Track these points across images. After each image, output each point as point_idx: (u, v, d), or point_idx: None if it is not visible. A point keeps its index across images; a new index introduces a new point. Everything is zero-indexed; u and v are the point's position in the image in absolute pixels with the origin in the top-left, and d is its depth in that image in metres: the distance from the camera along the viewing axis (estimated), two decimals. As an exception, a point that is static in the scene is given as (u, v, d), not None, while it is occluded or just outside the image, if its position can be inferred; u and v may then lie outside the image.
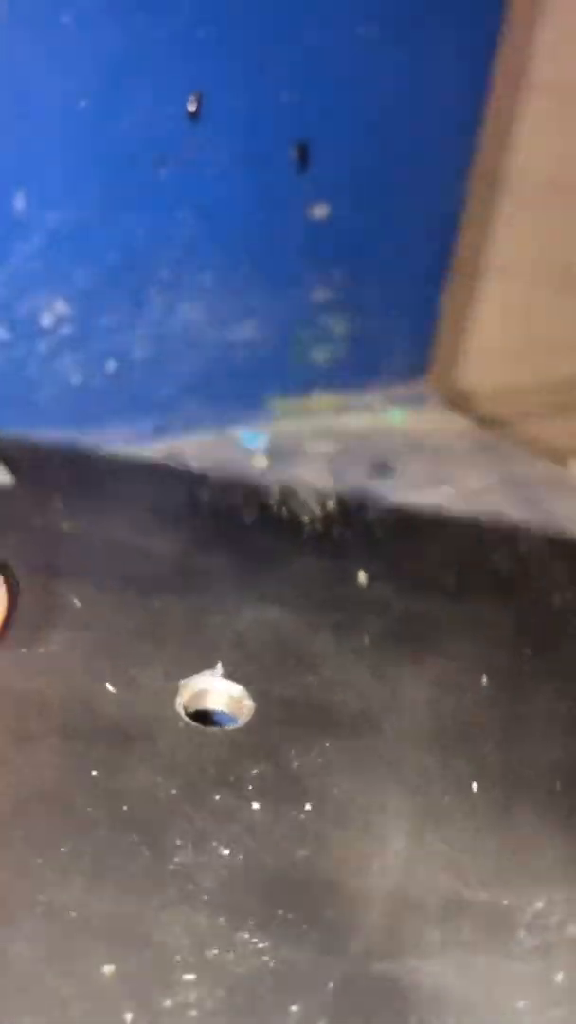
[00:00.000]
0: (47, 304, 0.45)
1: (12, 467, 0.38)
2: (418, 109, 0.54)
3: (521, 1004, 0.22)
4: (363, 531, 0.37)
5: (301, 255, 0.52)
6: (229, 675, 0.29)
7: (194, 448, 0.52)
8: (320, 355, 0.56)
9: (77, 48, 0.41)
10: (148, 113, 0.44)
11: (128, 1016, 0.20)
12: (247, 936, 0.22)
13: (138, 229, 0.46)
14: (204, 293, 0.50)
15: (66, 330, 0.46)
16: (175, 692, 0.29)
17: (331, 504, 0.38)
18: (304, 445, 0.54)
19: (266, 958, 0.22)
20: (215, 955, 0.21)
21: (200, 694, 0.29)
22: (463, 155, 0.57)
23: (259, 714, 0.28)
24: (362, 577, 0.34)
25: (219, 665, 0.29)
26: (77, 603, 0.31)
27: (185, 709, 0.28)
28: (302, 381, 0.56)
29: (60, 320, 0.46)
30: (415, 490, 0.52)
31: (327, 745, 0.27)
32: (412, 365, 0.60)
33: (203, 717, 0.29)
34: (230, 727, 0.28)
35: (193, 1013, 0.20)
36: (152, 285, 0.48)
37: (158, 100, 0.44)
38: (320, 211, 0.52)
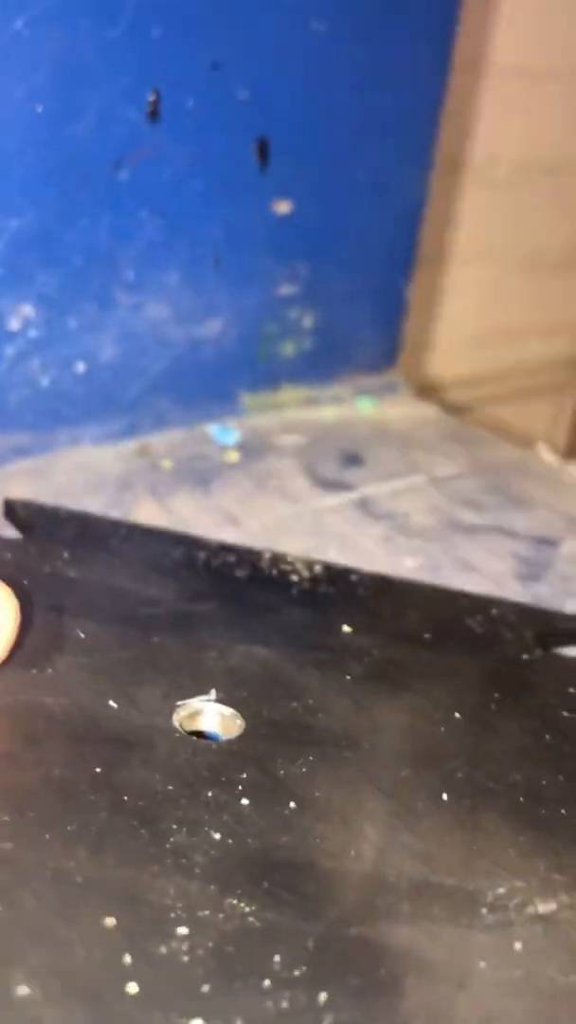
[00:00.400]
0: (13, 308, 0.46)
1: (20, 525, 0.41)
2: (377, 100, 0.54)
3: (482, 965, 0.24)
4: (347, 591, 0.39)
5: (265, 251, 0.53)
6: (221, 700, 0.32)
7: (166, 445, 0.53)
8: (288, 349, 0.56)
9: (31, 53, 0.42)
10: (105, 115, 0.45)
11: (127, 959, 0.23)
12: (234, 902, 0.25)
13: (101, 231, 0.47)
14: (170, 292, 0.50)
15: (33, 333, 0.47)
16: (172, 711, 0.31)
17: (318, 568, 0.40)
18: (275, 439, 0.55)
19: (251, 919, 0.24)
20: (206, 915, 0.24)
21: (195, 714, 0.32)
22: (425, 143, 0.57)
23: (248, 731, 0.31)
24: (346, 628, 0.36)
25: (212, 691, 0.32)
26: (81, 635, 0.34)
27: (180, 727, 0.31)
28: (271, 375, 0.57)
29: (27, 323, 0.46)
30: (384, 480, 0.52)
31: (310, 757, 0.30)
32: (381, 355, 0.61)
33: (196, 737, 0.31)
34: (222, 740, 0.31)
35: (185, 959, 0.23)
36: (117, 286, 0.48)
37: (114, 101, 0.45)
38: (283, 207, 0.52)
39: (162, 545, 0.40)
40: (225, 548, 0.41)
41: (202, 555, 0.40)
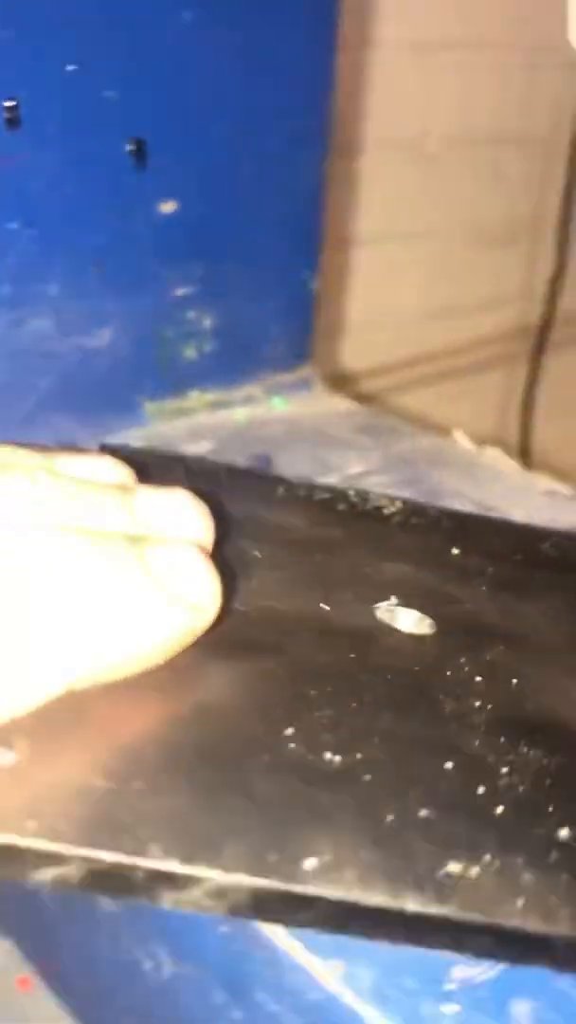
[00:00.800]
0: None
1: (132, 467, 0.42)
2: (260, 86, 0.52)
3: None
4: (435, 522, 0.42)
5: (153, 254, 0.51)
6: (402, 605, 0.35)
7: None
8: (190, 352, 0.54)
9: None
10: (-42, 126, 0.43)
11: (481, 789, 0.27)
12: (525, 750, 0.29)
13: (-32, 247, 0.45)
14: (52, 303, 0.48)
15: None
16: (372, 613, 0.34)
17: (399, 503, 0.42)
18: (182, 446, 0.53)
19: (545, 762, 0.28)
20: (508, 760, 0.28)
21: (391, 616, 0.35)
22: (317, 125, 0.55)
23: (440, 630, 0.34)
24: (454, 551, 0.39)
25: (393, 597, 0.35)
26: (257, 554, 0.36)
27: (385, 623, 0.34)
28: (174, 381, 0.55)
29: None
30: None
31: (501, 648, 0.34)
32: (292, 351, 0.59)
33: None
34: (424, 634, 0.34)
35: (520, 790, 0.27)
36: (-7, 302, 0.46)
37: (-33, 112, 0.43)
38: (167, 207, 0.51)
39: (266, 484, 0.43)
40: (315, 487, 0.43)
41: (301, 492, 0.42)
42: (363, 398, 0.98)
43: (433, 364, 1.13)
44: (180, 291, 0.52)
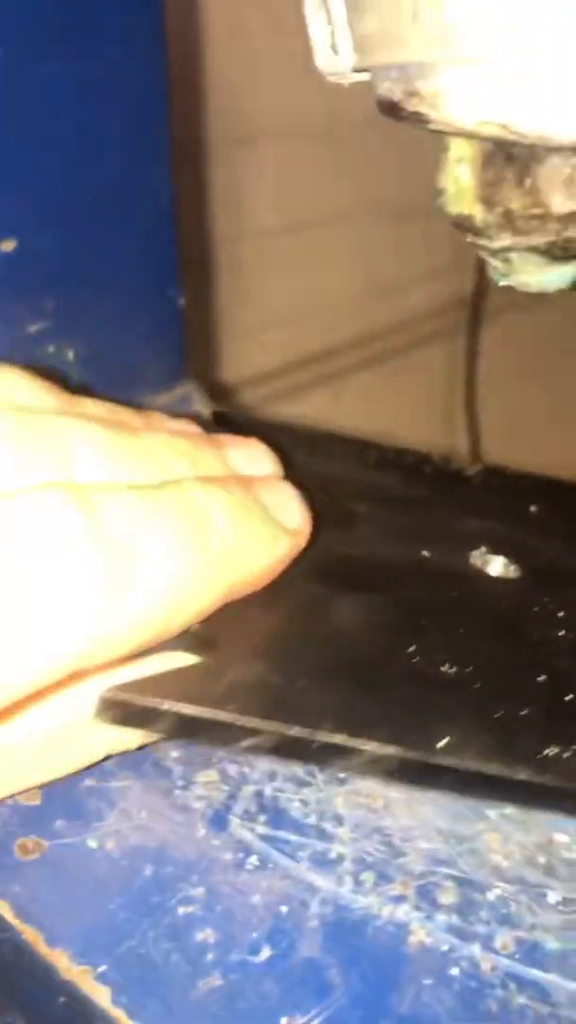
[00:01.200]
0: None
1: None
2: (89, 113, 0.51)
3: None
4: (511, 484, 0.47)
5: (-2, 294, 0.50)
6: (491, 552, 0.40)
7: None
8: (56, 386, 0.54)
9: None
10: None
11: (568, 697, 0.32)
12: None
13: None
14: None
15: None
16: (466, 559, 0.39)
17: (480, 465, 0.46)
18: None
19: None
20: None
21: (481, 559, 0.39)
22: (157, 143, 0.55)
23: (525, 574, 0.39)
24: (532, 508, 0.44)
25: (483, 547, 0.39)
26: (361, 510, 0.41)
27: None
28: (44, 416, 0.54)
29: None
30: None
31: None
32: (166, 370, 0.58)
33: None
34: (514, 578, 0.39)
35: None
36: None
37: None
38: (7, 245, 0.50)
39: (357, 447, 0.47)
40: (404, 451, 0.47)
41: (390, 455, 0.47)
42: (285, 394, 0.97)
43: (373, 346, 1.12)
44: (34, 327, 0.52)
